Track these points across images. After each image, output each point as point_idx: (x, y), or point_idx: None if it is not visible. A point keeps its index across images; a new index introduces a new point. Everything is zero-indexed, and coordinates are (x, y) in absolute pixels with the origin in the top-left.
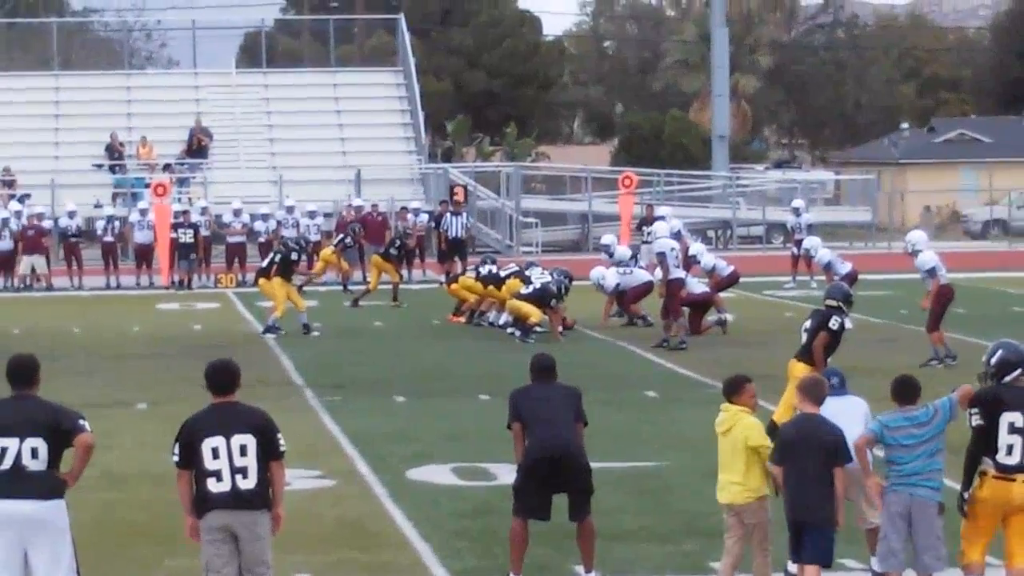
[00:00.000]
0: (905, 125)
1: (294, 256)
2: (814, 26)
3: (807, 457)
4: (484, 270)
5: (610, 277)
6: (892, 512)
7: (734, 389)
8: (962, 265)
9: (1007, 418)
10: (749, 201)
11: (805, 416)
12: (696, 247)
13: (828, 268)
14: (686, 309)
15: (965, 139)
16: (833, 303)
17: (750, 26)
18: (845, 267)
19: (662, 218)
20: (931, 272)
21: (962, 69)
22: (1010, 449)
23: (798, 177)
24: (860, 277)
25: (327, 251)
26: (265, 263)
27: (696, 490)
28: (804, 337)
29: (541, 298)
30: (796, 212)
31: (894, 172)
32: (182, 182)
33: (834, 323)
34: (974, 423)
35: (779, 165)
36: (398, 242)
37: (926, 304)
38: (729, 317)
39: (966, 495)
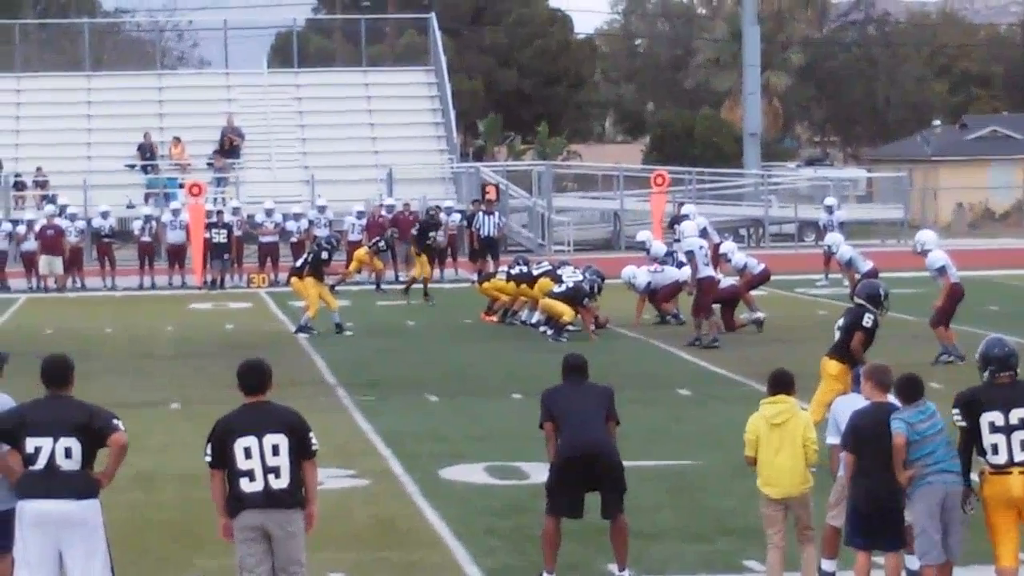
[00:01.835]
0: (937, 122)
1: (324, 256)
2: (846, 23)
3: (883, 445)
4: (515, 271)
5: (641, 276)
6: (931, 504)
7: (790, 382)
8: (994, 263)
9: (987, 418)
10: (781, 199)
11: (876, 404)
12: (727, 246)
13: (849, 265)
14: (717, 306)
15: (997, 136)
16: (861, 301)
17: (781, 24)
18: (866, 265)
19: (687, 217)
20: (941, 271)
21: (993, 66)
22: (995, 448)
23: (830, 175)
24: (893, 275)
25: (361, 251)
26: (299, 262)
27: (730, 489)
28: (837, 335)
29: (574, 297)
30: (829, 210)
31: (926, 169)
32: (219, 182)
33: (867, 320)
34: (958, 424)
35: (811, 163)
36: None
37: (938, 304)
38: (762, 315)
39: (971, 488)
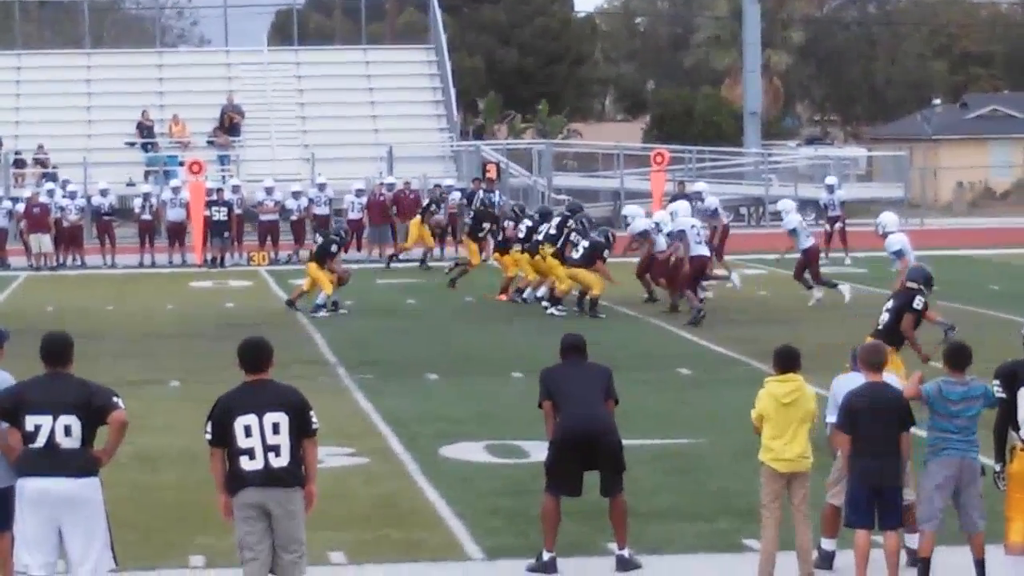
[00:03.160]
0: (937, 101)
1: (333, 248)
2: (846, 2)
3: (881, 424)
4: (523, 226)
5: (639, 222)
6: (943, 476)
7: (797, 360)
8: (994, 241)
9: None
10: (781, 178)
11: (871, 384)
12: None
13: (792, 234)
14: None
15: (998, 115)
16: (914, 285)
17: (782, 2)
18: (808, 241)
19: (687, 197)
20: (898, 254)
21: (994, 45)
22: None
23: (830, 154)
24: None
25: (415, 221)
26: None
27: (730, 468)
28: (885, 316)
29: (592, 256)
30: (830, 189)
31: (926, 148)
32: (223, 160)
33: (918, 303)
34: (996, 395)
35: (811, 141)
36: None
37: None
38: (736, 282)
39: (998, 468)
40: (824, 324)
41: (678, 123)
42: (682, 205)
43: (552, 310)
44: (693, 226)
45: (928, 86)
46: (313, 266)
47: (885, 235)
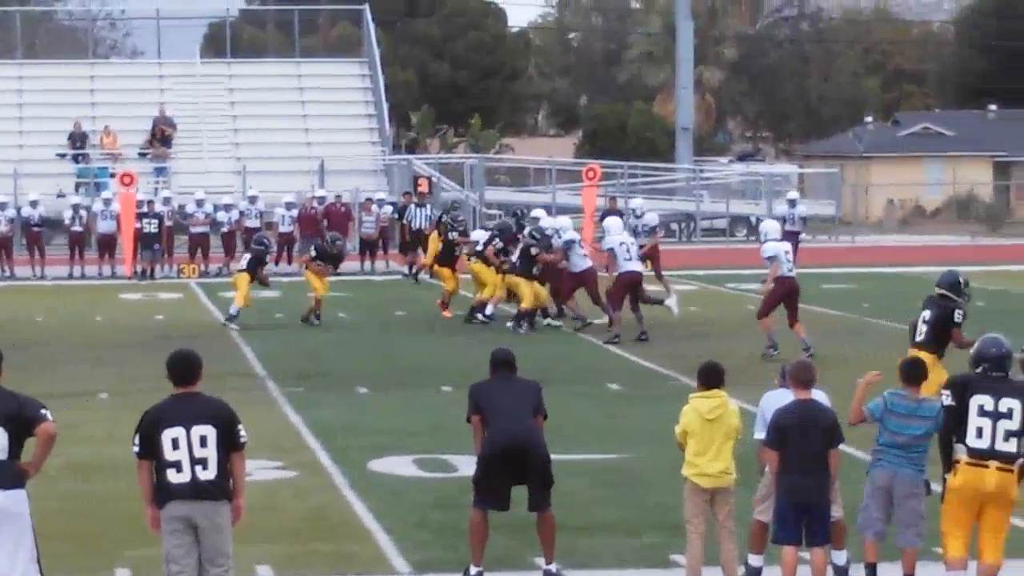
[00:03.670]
0: (869, 119)
1: (266, 259)
2: (779, 19)
3: (809, 441)
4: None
5: (569, 232)
6: (877, 486)
7: (721, 376)
8: (924, 259)
9: (977, 400)
10: (713, 194)
11: (799, 402)
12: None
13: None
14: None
15: (929, 133)
16: (944, 291)
17: (715, 18)
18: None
19: (619, 212)
20: (771, 259)
21: (926, 63)
22: (980, 432)
23: (762, 170)
24: (825, 271)
25: (434, 236)
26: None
27: (660, 483)
28: (924, 328)
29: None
30: (791, 203)
31: (858, 165)
32: (158, 172)
33: (958, 317)
34: (944, 403)
35: (743, 158)
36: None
37: (763, 290)
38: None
39: (946, 477)
40: (753, 340)
41: (611, 138)
42: (614, 221)
43: (521, 329)
44: (623, 243)
45: (860, 103)
46: (244, 276)
47: (765, 241)
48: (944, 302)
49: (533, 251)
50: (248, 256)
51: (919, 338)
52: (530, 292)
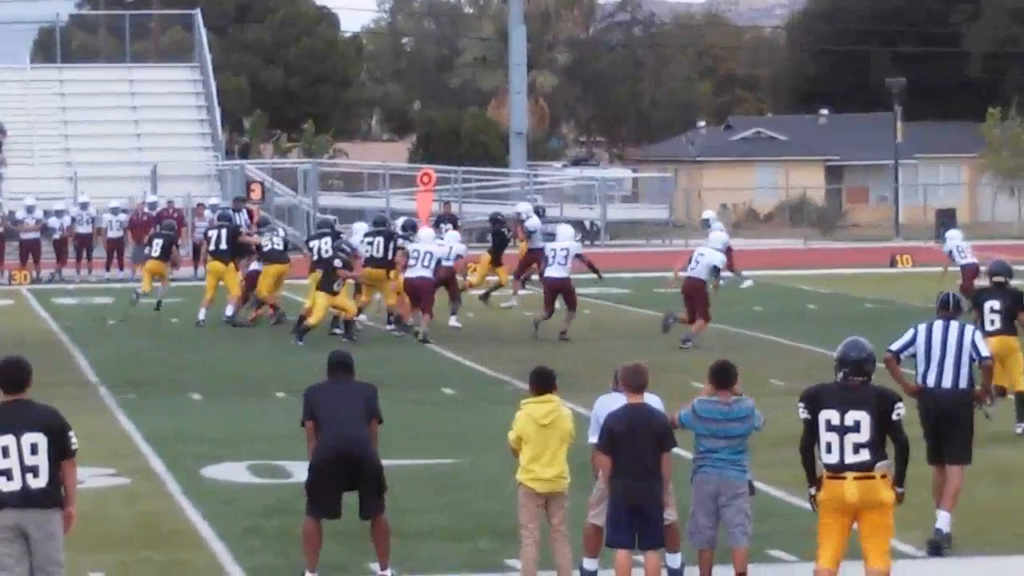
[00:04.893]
0: (702, 123)
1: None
2: (612, 24)
3: (640, 445)
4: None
5: (534, 220)
6: (703, 492)
7: (553, 380)
8: (757, 263)
9: (824, 415)
10: (547, 198)
11: (631, 406)
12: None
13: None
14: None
15: (762, 137)
16: (1000, 279)
17: (548, 23)
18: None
19: (451, 218)
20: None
21: (758, 68)
22: (829, 447)
23: (596, 175)
24: (658, 275)
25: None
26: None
27: (493, 488)
28: (995, 317)
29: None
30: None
31: (691, 170)
32: None
33: None
34: (800, 416)
35: (576, 163)
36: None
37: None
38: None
39: (812, 491)
40: (589, 344)
41: (444, 143)
42: (449, 234)
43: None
44: (553, 249)
45: (693, 108)
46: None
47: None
48: (1006, 288)
49: (336, 263)
50: (159, 242)
51: (992, 328)
52: (323, 306)
